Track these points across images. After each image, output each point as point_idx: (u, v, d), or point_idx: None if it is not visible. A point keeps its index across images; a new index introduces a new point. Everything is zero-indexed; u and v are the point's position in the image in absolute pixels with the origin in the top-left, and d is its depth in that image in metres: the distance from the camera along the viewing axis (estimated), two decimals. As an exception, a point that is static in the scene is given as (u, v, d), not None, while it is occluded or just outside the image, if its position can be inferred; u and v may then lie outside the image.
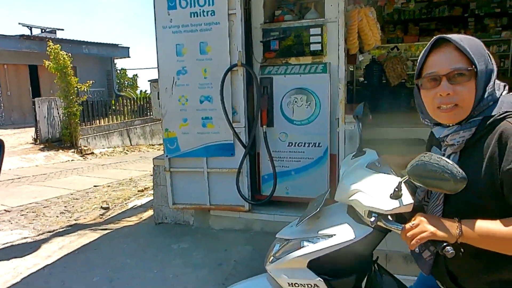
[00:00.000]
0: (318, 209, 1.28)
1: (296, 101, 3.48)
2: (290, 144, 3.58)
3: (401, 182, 1.09)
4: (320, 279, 1.25)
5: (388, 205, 1.09)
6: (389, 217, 1.10)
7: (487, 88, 1.07)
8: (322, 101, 3.42)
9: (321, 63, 3.45)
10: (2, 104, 14.79)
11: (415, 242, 1.01)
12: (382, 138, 3.35)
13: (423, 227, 1.01)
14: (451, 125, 1.11)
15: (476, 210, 1.04)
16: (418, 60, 1.16)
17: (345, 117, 3.29)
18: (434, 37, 1.11)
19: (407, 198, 1.09)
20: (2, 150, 1.02)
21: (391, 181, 1.17)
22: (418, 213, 1.06)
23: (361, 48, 3.96)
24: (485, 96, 1.06)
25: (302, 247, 1.28)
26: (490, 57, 1.10)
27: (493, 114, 1.05)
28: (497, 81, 1.11)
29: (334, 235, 1.24)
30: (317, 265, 1.27)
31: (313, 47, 3.44)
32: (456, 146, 1.10)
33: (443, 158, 0.94)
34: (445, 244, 0.98)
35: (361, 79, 5.94)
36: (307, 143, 3.52)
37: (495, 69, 1.10)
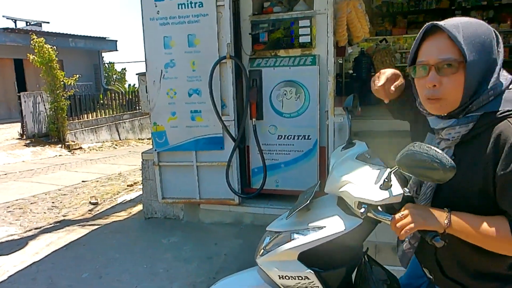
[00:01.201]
0: (308, 201, 1.28)
1: (285, 94, 3.47)
2: (280, 137, 3.57)
3: (390, 172, 1.08)
4: (311, 271, 1.25)
5: (378, 196, 1.09)
6: (379, 208, 1.10)
7: (490, 80, 0.99)
8: (311, 93, 3.41)
9: (310, 55, 3.43)
10: (-14, 99, 14.47)
11: (405, 233, 1.01)
12: (371, 130, 3.35)
13: (412, 217, 1.01)
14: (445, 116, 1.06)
15: (464, 206, 1.03)
16: (411, 47, 1.11)
17: (334, 110, 3.29)
18: (426, 24, 1.05)
19: (397, 189, 1.09)
20: None
21: (381, 172, 1.17)
22: (407, 204, 1.06)
23: (350, 41, 3.95)
24: (486, 89, 0.99)
25: (293, 239, 1.28)
26: (496, 46, 1.01)
27: (494, 110, 0.99)
28: (505, 74, 1.03)
29: (324, 227, 1.24)
30: (307, 257, 1.27)
31: (302, 39, 3.41)
32: (451, 141, 1.06)
33: (432, 147, 0.93)
34: (434, 233, 0.98)
35: (350, 71, 5.95)
36: (296, 136, 3.52)
37: (501, 60, 1.01)
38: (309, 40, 3.39)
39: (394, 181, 1.10)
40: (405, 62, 6.71)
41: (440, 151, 0.92)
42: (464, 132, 1.03)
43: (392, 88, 1.28)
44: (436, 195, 1.10)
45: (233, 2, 3.49)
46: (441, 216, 1.01)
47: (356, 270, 1.38)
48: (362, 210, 1.10)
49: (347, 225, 1.22)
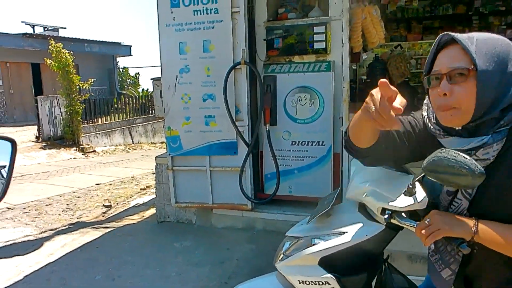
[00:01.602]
0: (329, 207, 1.27)
1: (299, 100, 3.47)
2: (294, 143, 3.56)
3: (415, 178, 1.07)
4: (332, 276, 1.24)
5: (402, 202, 1.08)
6: (403, 214, 1.09)
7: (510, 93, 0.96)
8: (326, 99, 3.40)
9: (325, 61, 3.43)
10: (4, 102, 14.79)
11: (430, 239, 0.99)
12: None
13: (438, 224, 0.99)
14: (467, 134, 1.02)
15: (501, 215, 1.00)
16: (427, 58, 1.09)
17: (349, 116, 3.27)
18: (440, 34, 1.04)
19: (422, 195, 1.08)
20: (14, 149, 1.01)
21: (404, 178, 1.16)
22: (433, 210, 1.05)
23: (365, 47, 3.94)
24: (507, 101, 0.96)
25: (313, 244, 1.28)
26: None
27: None
28: None
29: (346, 232, 1.23)
30: (328, 262, 1.26)
31: (317, 45, 3.41)
32: (490, 161, 1.00)
33: (460, 153, 0.92)
34: (461, 240, 0.96)
35: (364, 77, 5.92)
36: (310, 142, 3.51)
37: None
38: (324, 46, 3.39)
39: (419, 187, 1.09)
40: (421, 68, 6.64)
41: (468, 157, 0.91)
42: (499, 149, 0.99)
43: (399, 105, 0.93)
44: (469, 208, 1.06)
45: (248, 9, 3.51)
46: (468, 223, 0.99)
47: (376, 277, 1.36)
48: (386, 216, 1.10)
49: (369, 231, 1.21)
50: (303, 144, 3.53)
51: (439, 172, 0.95)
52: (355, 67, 5.77)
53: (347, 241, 1.23)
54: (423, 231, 1.01)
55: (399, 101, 0.93)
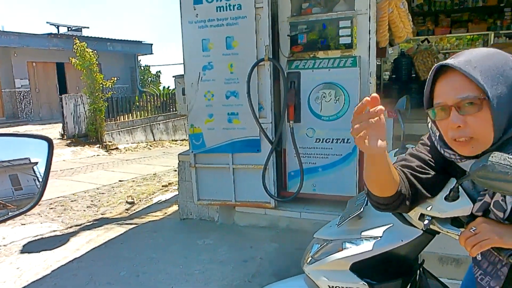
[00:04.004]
0: (361, 209, 1.21)
1: (324, 96, 3.39)
2: (318, 140, 3.50)
3: (458, 183, 1.00)
4: (364, 282, 1.19)
5: (444, 208, 1.01)
6: (444, 220, 1.02)
7: None
8: (351, 95, 3.31)
9: (350, 56, 3.34)
10: (31, 101, 15.27)
11: (477, 249, 0.92)
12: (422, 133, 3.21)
13: (487, 233, 0.92)
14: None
15: None
16: (424, 90, 1.02)
17: (375, 113, 3.18)
18: (435, 65, 0.98)
19: (465, 201, 1.00)
20: (51, 149, 0.99)
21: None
22: (480, 218, 0.97)
23: (391, 41, 3.83)
24: None
25: (344, 248, 1.23)
26: None
27: None
28: None
29: (380, 237, 1.18)
30: (360, 268, 1.21)
31: (343, 40, 3.33)
32: None
33: None
34: (511, 251, 0.89)
35: (387, 72, 5.77)
36: (335, 139, 3.43)
37: None
38: (350, 41, 3.30)
39: (462, 192, 1.02)
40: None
41: None
42: None
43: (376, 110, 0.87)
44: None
45: (271, 4, 3.46)
46: None
47: (410, 283, 1.30)
48: (426, 222, 1.03)
49: (404, 236, 1.16)
50: (327, 141, 3.46)
51: (490, 178, 0.87)
52: (379, 63, 5.64)
53: (381, 246, 1.17)
54: (468, 240, 0.94)
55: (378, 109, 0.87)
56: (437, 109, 0.97)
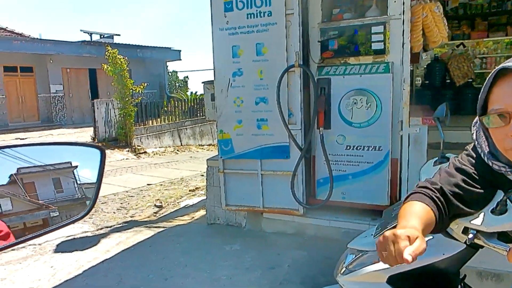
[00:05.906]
0: (401, 220, 1.17)
1: (355, 103, 3.34)
2: (348, 147, 3.44)
3: (506, 196, 0.95)
4: (403, 297, 1.14)
5: (491, 222, 0.96)
6: (490, 234, 0.97)
7: None
8: (384, 102, 3.24)
9: (382, 62, 3.28)
10: (64, 105, 15.90)
11: None
12: (463, 142, 3.10)
13: None
14: None
15: None
16: (480, 93, 0.96)
17: (409, 120, 3.09)
18: (497, 67, 0.91)
19: None
20: (103, 158, 1.01)
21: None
22: None
23: (425, 46, 3.72)
24: None
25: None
26: None
27: None
28: None
29: (421, 249, 1.12)
30: (398, 281, 1.16)
31: (375, 46, 3.27)
32: None
33: None
34: None
35: (419, 78, 5.62)
36: (366, 147, 3.36)
37: None
38: (382, 47, 3.24)
39: (510, 205, 0.97)
40: (486, 68, 6.17)
41: None
42: None
43: (410, 254, 0.87)
44: None
45: (302, 10, 3.45)
46: None
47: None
48: (470, 236, 0.98)
49: (446, 250, 1.11)
50: (358, 148, 3.39)
51: None
52: (411, 68, 5.50)
53: (421, 259, 1.12)
54: None
55: (412, 249, 0.86)
56: (492, 116, 0.91)
